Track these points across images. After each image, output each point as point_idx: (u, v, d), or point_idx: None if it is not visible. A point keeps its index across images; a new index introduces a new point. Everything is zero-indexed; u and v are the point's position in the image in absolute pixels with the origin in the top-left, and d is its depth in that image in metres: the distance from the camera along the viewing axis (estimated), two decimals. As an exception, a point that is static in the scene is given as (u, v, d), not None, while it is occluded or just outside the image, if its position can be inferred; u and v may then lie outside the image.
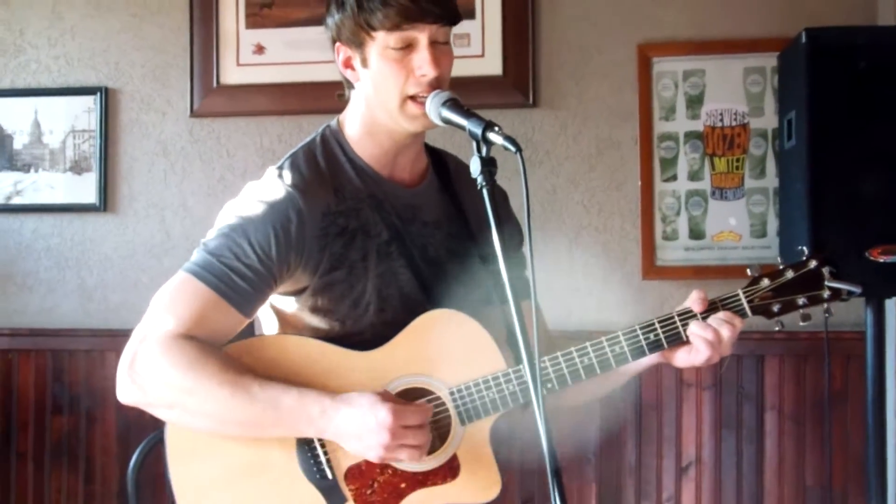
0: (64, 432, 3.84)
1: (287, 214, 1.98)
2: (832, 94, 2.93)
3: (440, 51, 1.98)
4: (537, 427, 1.63)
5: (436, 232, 2.14)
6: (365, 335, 2.05)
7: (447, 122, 1.91)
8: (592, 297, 3.63)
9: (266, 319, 2.18)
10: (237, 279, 1.96)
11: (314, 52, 3.72)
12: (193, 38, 3.86)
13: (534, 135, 3.71)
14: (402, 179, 2.13)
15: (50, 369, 3.85)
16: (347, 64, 2.05)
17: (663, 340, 2.00)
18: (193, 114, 3.87)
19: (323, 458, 2.00)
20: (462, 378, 2.00)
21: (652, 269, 3.63)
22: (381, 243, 2.06)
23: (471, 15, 3.68)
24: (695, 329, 1.98)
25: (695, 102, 3.64)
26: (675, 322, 2.00)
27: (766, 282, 2.01)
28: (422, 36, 1.95)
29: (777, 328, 2.03)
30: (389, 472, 2.01)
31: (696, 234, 3.62)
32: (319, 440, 1.99)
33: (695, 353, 1.99)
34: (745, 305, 2.00)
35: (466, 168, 1.83)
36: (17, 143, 3.95)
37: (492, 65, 3.70)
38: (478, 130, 1.78)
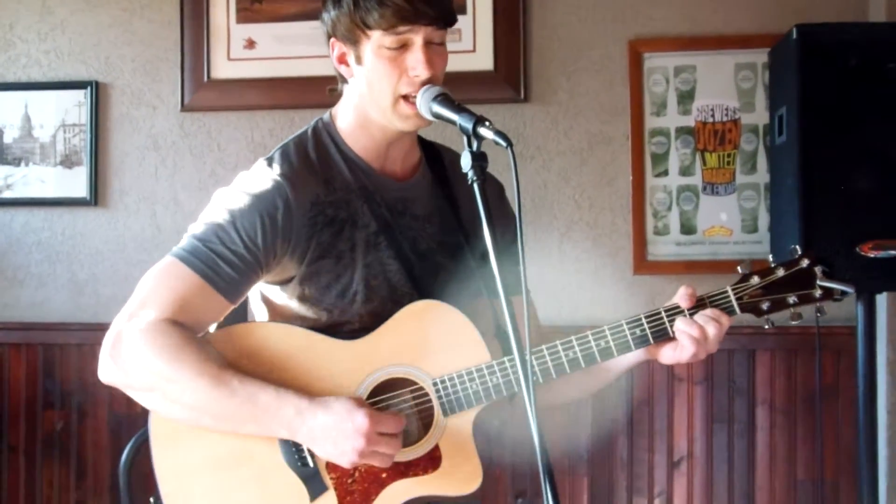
0: (55, 426, 3.84)
1: (274, 202, 1.99)
2: (823, 90, 2.94)
3: (434, 51, 1.98)
4: (529, 422, 1.63)
5: (426, 225, 2.15)
6: (353, 325, 2.06)
7: (438, 116, 1.92)
8: (584, 292, 3.63)
9: (257, 310, 2.19)
10: (223, 265, 1.98)
11: (305, 47, 3.72)
12: (184, 32, 3.85)
13: (525, 130, 3.71)
14: (393, 172, 2.14)
15: (41, 363, 3.85)
16: (342, 60, 2.06)
17: (649, 336, 2.01)
18: (184, 108, 3.86)
19: (305, 447, 2.00)
20: (446, 369, 2.01)
21: (643, 264, 3.64)
22: (370, 234, 2.07)
23: (462, 10, 3.67)
24: (680, 325, 1.98)
25: (686, 98, 3.64)
26: (661, 318, 2.00)
27: (756, 279, 2.01)
28: (417, 37, 1.96)
29: (766, 326, 2.02)
30: None
31: (688, 229, 3.63)
32: None
33: (680, 349, 1.99)
34: (734, 303, 2.00)
35: None
36: (8, 137, 3.94)
37: (483, 60, 3.70)
38: (468, 125, 1.79)
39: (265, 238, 1.99)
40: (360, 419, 1.89)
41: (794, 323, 2.01)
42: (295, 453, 2.01)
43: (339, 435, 1.90)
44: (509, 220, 2.25)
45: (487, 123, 1.78)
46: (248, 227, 1.98)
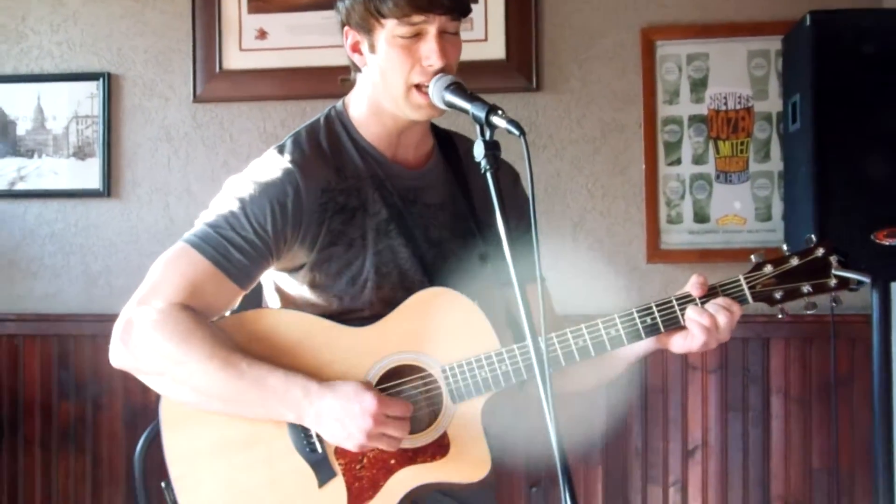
0: (71, 417, 3.85)
1: (284, 189, 2.00)
2: (837, 78, 2.93)
3: (448, 41, 1.98)
4: (543, 411, 1.62)
5: (439, 213, 2.14)
6: (363, 312, 2.06)
7: (451, 105, 1.91)
8: (597, 281, 3.62)
9: (271, 299, 2.19)
10: (234, 251, 1.98)
11: (317, 37, 3.72)
12: (196, 23, 3.86)
13: (537, 119, 3.70)
14: (405, 160, 2.13)
15: (56, 355, 3.87)
16: (355, 48, 2.05)
17: (660, 324, 1.99)
18: (196, 99, 3.87)
19: (314, 432, 2.00)
20: (455, 356, 2.01)
21: (656, 252, 3.63)
22: (381, 221, 2.07)
23: (474, -1, 3.67)
24: (691, 314, 1.96)
25: (699, 86, 3.62)
26: (672, 306, 1.99)
27: (769, 268, 1.99)
28: (431, 26, 1.95)
29: (780, 316, 2.00)
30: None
31: (701, 217, 3.62)
32: None
33: (691, 338, 1.98)
34: (747, 291, 1.99)
35: None
36: (21, 129, 3.95)
37: (495, 49, 3.70)
38: (481, 114, 1.78)
39: (275, 225, 1.99)
40: (368, 400, 1.90)
41: (808, 312, 2.00)
42: (304, 438, 2.01)
43: (347, 416, 1.91)
44: (524, 208, 2.23)
45: (500, 112, 1.77)
46: (259, 213, 1.99)
